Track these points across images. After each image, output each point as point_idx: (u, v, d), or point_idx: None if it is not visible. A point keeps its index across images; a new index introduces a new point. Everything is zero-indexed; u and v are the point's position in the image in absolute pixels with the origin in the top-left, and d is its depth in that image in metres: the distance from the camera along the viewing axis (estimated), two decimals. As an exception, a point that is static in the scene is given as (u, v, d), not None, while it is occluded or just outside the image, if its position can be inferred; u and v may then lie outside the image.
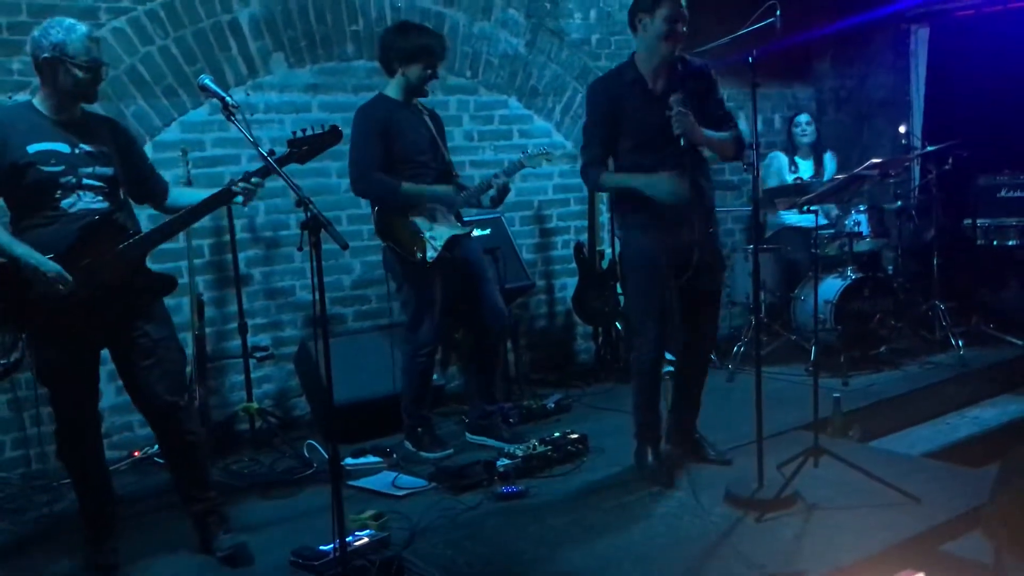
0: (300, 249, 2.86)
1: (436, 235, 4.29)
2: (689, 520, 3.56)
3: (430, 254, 4.24)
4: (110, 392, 4.54)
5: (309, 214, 2.80)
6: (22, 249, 3.02)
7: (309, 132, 3.20)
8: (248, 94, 4.94)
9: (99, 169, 3.18)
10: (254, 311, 5.00)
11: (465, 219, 4.62)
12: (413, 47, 4.24)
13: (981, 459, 4.43)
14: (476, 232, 5.25)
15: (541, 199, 6.10)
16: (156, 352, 3.25)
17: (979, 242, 6.51)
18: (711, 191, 3.96)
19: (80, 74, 3.06)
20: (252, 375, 4.78)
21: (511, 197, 5.84)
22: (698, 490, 3.82)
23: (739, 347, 5.78)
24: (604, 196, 5.99)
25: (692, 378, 4.11)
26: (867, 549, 3.25)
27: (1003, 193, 6.66)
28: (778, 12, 3.95)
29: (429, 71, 4.28)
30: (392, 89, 4.35)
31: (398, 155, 4.26)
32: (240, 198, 3.22)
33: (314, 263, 2.76)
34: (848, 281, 5.63)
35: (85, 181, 3.14)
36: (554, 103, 6.10)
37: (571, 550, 3.37)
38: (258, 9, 4.93)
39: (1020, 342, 6.07)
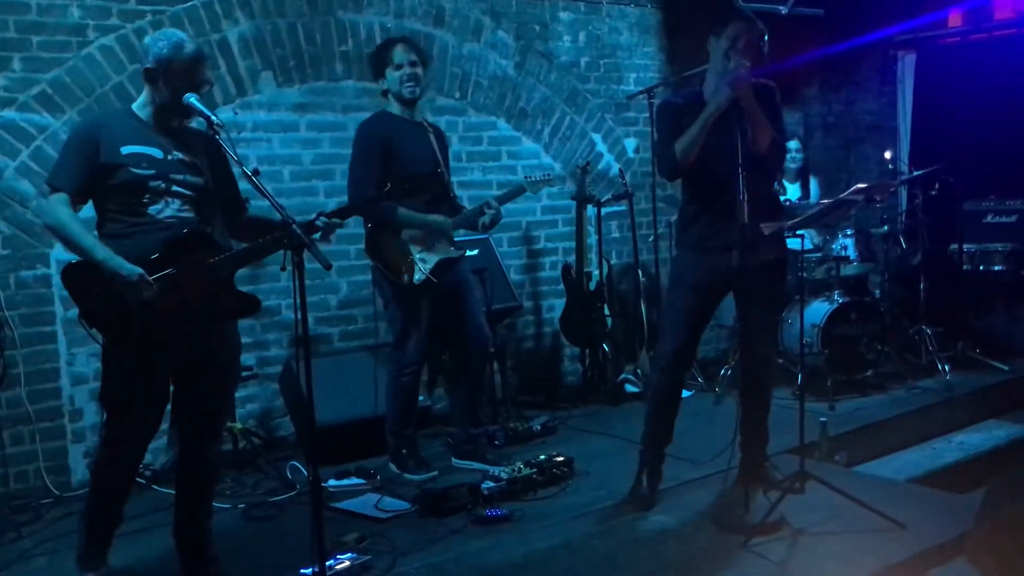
0: (283, 269, 2.84)
1: (426, 258, 4.27)
2: (674, 545, 3.53)
3: (417, 276, 4.23)
4: (92, 409, 4.51)
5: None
6: (104, 253, 2.96)
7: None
8: (236, 112, 4.93)
9: (190, 178, 3.13)
10: (239, 330, 4.95)
11: (456, 239, 4.61)
12: (381, 53, 4.27)
13: (967, 484, 4.43)
14: (466, 253, 5.24)
15: (529, 220, 6.10)
16: (220, 379, 3.23)
17: (965, 267, 6.54)
18: (779, 215, 3.89)
19: (180, 87, 3.04)
20: (236, 394, 4.74)
21: (499, 218, 5.87)
22: (684, 515, 3.80)
23: (726, 370, 5.78)
24: (592, 217, 6.02)
25: (751, 404, 3.97)
26: (853, 575, 3.23)
27: (989, 219, 6.70)
28: (766, 37, 3.98)
29: (404, 71, 4.22)
30: (392, 105, 4.34)
31: (397, 172, 4.22)
32: (318, 234, 3.11)
33: (297, 283, 2.74)
34: (835, 305, 5.64)
35: (175, 188, 3.09)
36: (543, 125, 6.12)
37: (554, 575, 3.34)
38: (247, 28, 4.93)
39: (1006, 367, 6.09)
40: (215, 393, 3.25)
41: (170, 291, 3.00)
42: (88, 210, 3.12)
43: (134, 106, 3.16)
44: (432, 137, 4.41)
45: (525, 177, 4.71)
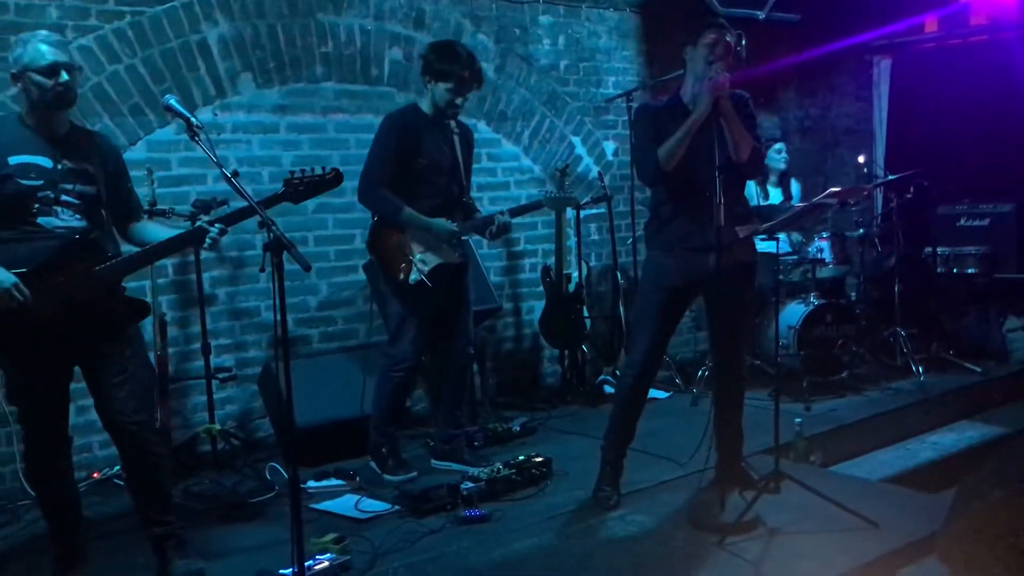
0: (262, 270, 2.85)
1: (426, 260, 4.27)
2: (651, 545, 3.56)
3: (413, 277, 4.22)
4: (70, 411, 4.48)
5: (271, 235, 2.80)
6: None
7: (308, 172, 3.16)
8: (216, 114, 4.93)
9: (80, 187, 3.15)
10: (218, 331, 4.96)
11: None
12: (443, 67, 4.20)
13: (940, 484, 4.49)
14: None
15: (509, 222, 6.11)
16: (125, 370, 3.22)
17: (939, 270, 6.62)
18: (750, 219, 3.91)
19: (43, 81, 3.03)
20: (215, 396, 4.73)
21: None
22: (660, 514, 3.83)
23: (703, 372, 5.82)
24: (571, 220, 6.05)
25: (724, 404, 4.01)
26: (826, 573, 3.27)
27: (962, 222, 6.80)
28: (743, 41, 4.02)
29: (452, 96, 4.21)
30: (425, 102, 4.32)
31: (414, 172, 4.22)
32: (208, 241, 3.17)
33: (276, 284, 2.75)
34: (811, 307, 5.70)
35: (64, 197, 3.11)
36: (523, 127, 6.14)
37: (533, 574, 3.36)
38: (227, 30, 4.93)
39: (979, 369, 6.17)
40: (126, 386, 3.22)
41: (53, 299, 3.03)
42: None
43: (23, 114, 3.15)
44: (456, 139, 4.39)
45: (546, 193, 4.68)
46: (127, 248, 3.33)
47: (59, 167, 3.12)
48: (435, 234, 4.28)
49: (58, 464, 3.29)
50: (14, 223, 3.08)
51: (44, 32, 3.09)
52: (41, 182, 3.07)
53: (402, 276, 4.23)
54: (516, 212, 4.54)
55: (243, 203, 2.93)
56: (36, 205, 3.07)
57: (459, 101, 4.27)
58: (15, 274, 2.99)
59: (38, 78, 3.03)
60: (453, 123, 4.39)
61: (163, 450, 3.40)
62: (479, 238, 5.81)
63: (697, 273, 3.81)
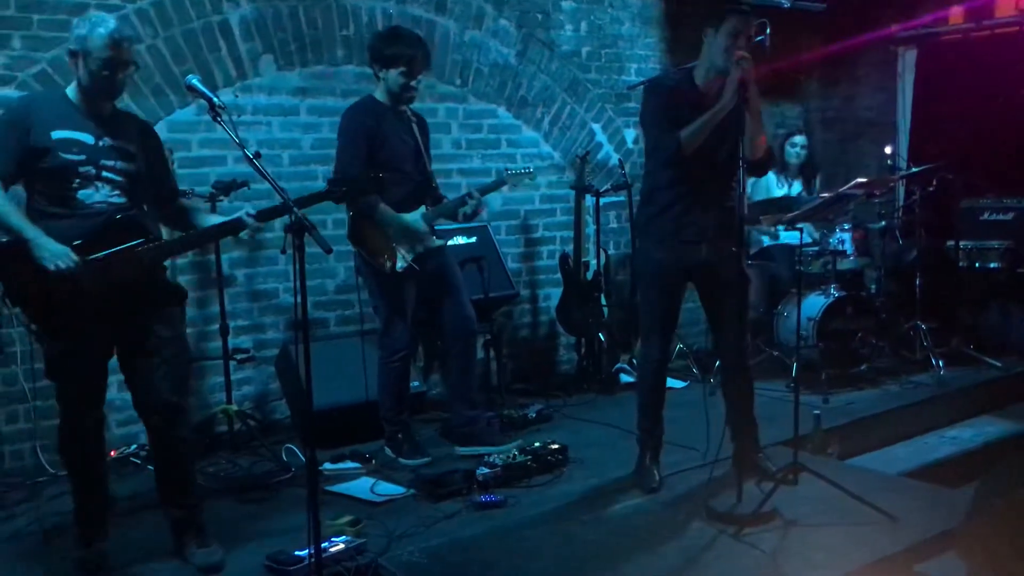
0: (284, 252, 2.85)
1: (407, 249, 4.28)
2: (667, 534, 3.55)
3: (399, 264, 4.24)
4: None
5: (293, 218, 2.79)
6: (33, 232, 3.00)
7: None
8: (236, 96, 4.92)
9: (120, 164, 3.16)
10: (236, 313, 4.97)
11: (449, 227, 4.61)
12: (391, 52, 4.22)
13: (959, 479, 4.46)
14: (461, 240, 5.25)
15: (527, 209, 6.10)
16: (162, 352, 3.23)
17: (961, 264, 6.55)
18: (740, 209, 3.89)
19: (95, 70, 3.04)
20: (232, 377, 4.76)
21: (498, 206, 5.88)
22: (676, 504, 3.83)
23: (720, 361, 5.79)
24: (591, 207, 6.03)
25: (734, 394, 4.04)
26: (843, 567, 3.26)
27: (986, 216, 6.71)
28: (767, 30, 3.98)
29: (406, 80, 4.23)
30: (379, 92, 4.34)
31: (381, 162, 4.23)
32: (245, 233, 3.21)
33: (297, 266, 2.75)
34: (831, 299, 5.66)
35: (104, 174, 3.13)
36: (543, 113, 6.11)
37: (547, 561, 3.37)
38: (248, 11, 4.92)
39: (999, 364, 6.11)
40: (163, 367, 3.24)
41: (96, 275, 3.04)
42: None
43: (67, 90, 3.17)
44: (415, 127, 4.40)
45: (505, 170, 4.70)
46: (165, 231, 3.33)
47: (101, 144, 3.13)
48: (408, 231, 4.30)
49: (91, 441, 3.30)
50: (55, 198, 3.09)
51: (112, 21, 3.09)
52: (83, 157, 3.09)
53: (388, 265, 4.23)
54: (484, 191, 4.54)
55: (265, 183, 2.92)
56: (77, 180, 3.09)
57: (413, 84, 4.27)
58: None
59: (92, 65, 3.04)
60: (408, 111, 4.39)
61: (190, 433, 3.41)
62: (497, 223, 5.85)
63: (690, 264, 3.85)
